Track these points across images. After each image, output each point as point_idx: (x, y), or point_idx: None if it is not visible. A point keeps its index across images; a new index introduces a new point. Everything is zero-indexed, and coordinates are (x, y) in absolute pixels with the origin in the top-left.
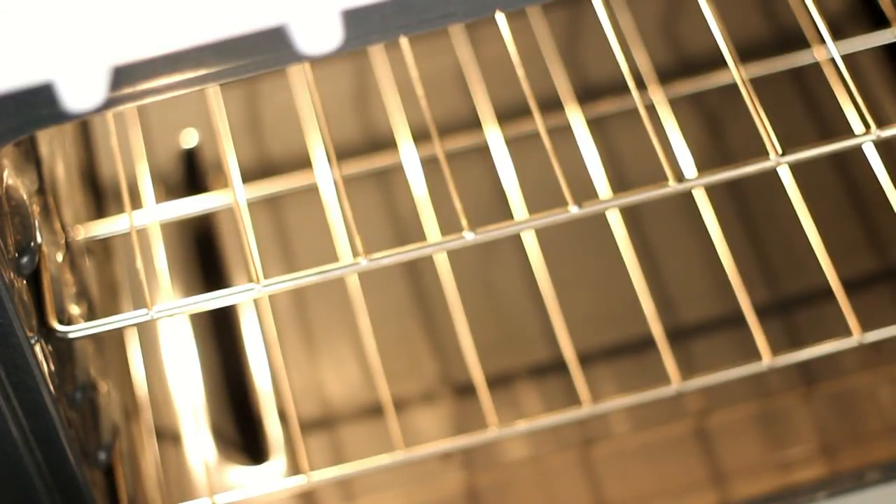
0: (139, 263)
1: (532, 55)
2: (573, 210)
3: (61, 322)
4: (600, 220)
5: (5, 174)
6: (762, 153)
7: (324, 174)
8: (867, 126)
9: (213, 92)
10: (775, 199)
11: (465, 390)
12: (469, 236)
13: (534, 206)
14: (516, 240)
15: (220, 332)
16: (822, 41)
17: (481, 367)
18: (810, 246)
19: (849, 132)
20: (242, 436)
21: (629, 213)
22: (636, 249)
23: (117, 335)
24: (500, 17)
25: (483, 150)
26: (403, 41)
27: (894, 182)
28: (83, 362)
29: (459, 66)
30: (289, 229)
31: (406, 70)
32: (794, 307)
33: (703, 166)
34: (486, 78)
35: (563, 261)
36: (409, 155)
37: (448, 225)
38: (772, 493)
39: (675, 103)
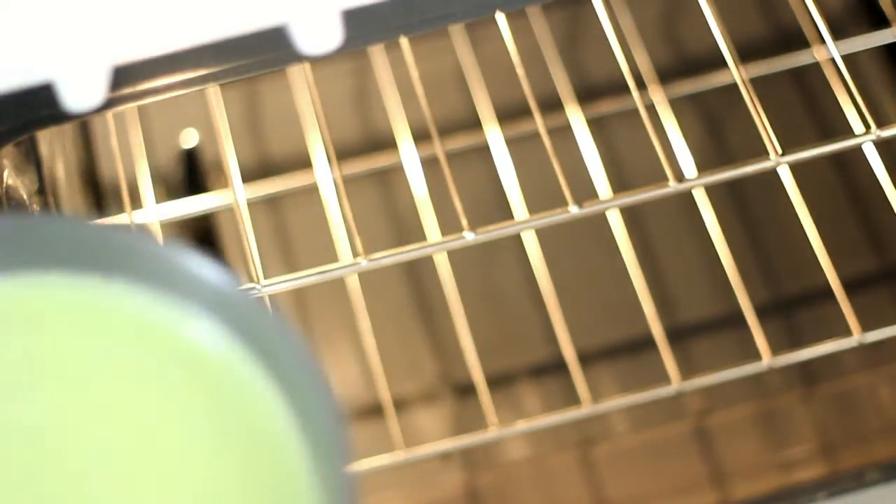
0: None
1: (532, 55)
2: (573, 210)
3: None
4: (600, 220)
5: (5, 174)
6: (762, 153)
7: (324, 174)
8: (867, 126)
9: (213, 92)
10: (775, 199)
11: (465, 390)
12: (469, 236)
13: (534, 206)
14: (516, 240)
15: None
16: (822, 41)
17: (481, 367)
18: (810, 246)
19: (849, 132)
20: None
21: (629, 213)
22: (636, 249)
23: None
24: (500, 17)
25: (483, 150)
26: (403, 41)
27: (894, 182)
28: None
29: (459, 66)
30: (289, 229)
31: (406, 70)
32: (794, 307)
33: (703, 166)
34: (486, 78)
35: (563, 261)
36: (409, 155)
37: (448, 225)
38: (772, 493)
39: (675, 103)
